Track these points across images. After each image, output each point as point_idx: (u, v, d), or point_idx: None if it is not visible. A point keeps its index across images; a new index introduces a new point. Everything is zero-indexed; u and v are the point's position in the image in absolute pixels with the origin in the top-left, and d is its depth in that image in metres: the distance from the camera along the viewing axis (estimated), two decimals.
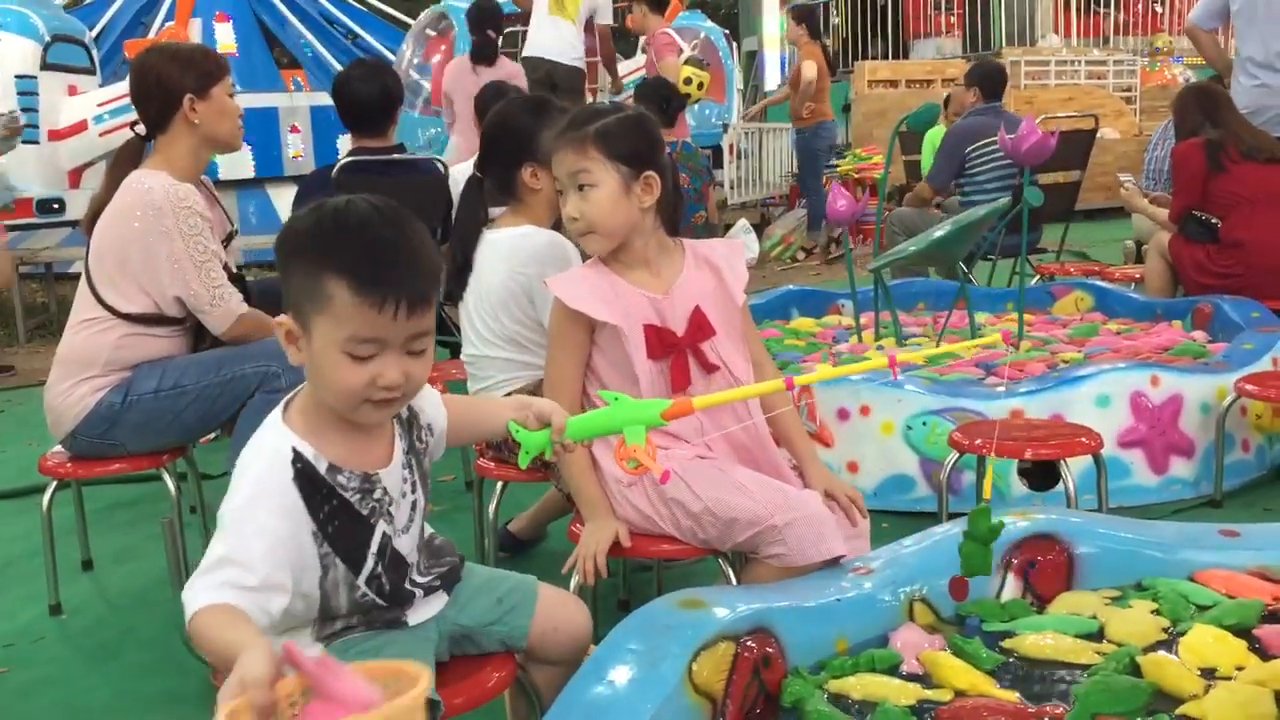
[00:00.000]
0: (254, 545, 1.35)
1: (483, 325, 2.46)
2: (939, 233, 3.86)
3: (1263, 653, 1.67)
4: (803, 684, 1.60)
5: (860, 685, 1.62)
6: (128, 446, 2.60)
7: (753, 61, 13.92)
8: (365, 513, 1.47)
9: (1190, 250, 4.43)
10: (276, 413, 1.47)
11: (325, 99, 6.88)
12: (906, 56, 13.05)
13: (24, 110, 7.25)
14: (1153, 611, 1.80)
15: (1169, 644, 1.71)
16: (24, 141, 7.02)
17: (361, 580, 1.47)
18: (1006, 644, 1.74)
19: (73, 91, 7.95)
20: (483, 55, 6.40)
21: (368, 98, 3.92)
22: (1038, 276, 5.20)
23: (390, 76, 4.06)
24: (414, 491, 1.54)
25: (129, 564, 3.09)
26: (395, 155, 4.02)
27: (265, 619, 1.34)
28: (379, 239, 1.38)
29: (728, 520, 1.92)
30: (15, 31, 7.66)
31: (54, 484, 2.67)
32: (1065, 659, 1.68)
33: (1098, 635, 1.75)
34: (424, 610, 1.55)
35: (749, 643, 1.60)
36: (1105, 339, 3.95)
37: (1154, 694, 1.57)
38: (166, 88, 2.65)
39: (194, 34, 8.53)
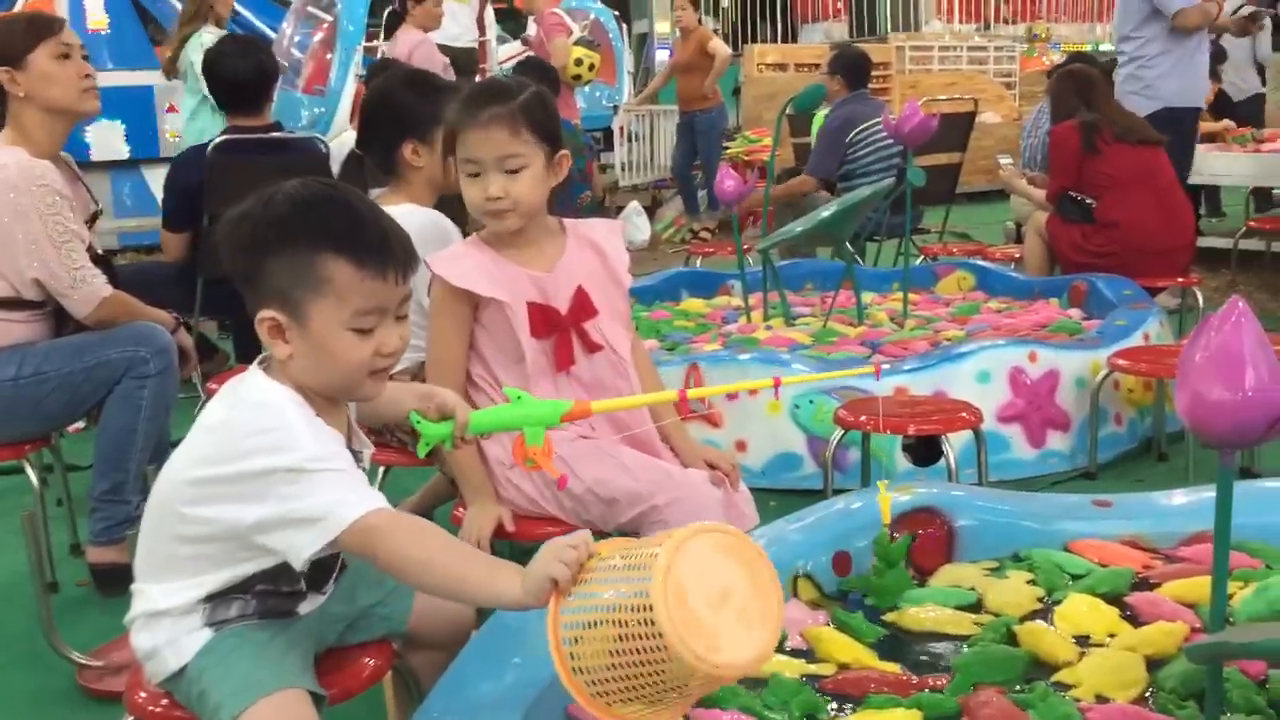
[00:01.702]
0: (351, 476, 1.36)
1: None
2: (825, 213, 3.89)
3: (1134, 619, 1.72)
4: None
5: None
6: None
7: (643, 44, 13.91)
8: None
9: (1066, 230, 4.54)
10: (255, 374, 1.42)
11: None
12: (795, 41, 13.17)
13: None
14: (1029, 582, 1.84)
15: (1045, 613, 1.74)
16: None
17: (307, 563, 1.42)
18: (888, 617, 1.76)
19: None
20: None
21: (242, 75, 3.80)
22: (922, 257, 5.28)
23: (264, 53, 3.94)
24: None
25: None
26: (272, 134, 3.91)
27: None
28: (360, 213, 1.41)
29: (609, 500, 1.91)
30: None
31: None
32: (945, 630, 1.71)
33: (976, 606, 1.78)
34: (312, 601, 1.50)
35: None
36: (986, 317, 4.03)
37: (1030, 662, 1.60)
38: None
39: (60, 8, 8.16)
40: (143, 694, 1.46)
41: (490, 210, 1.96)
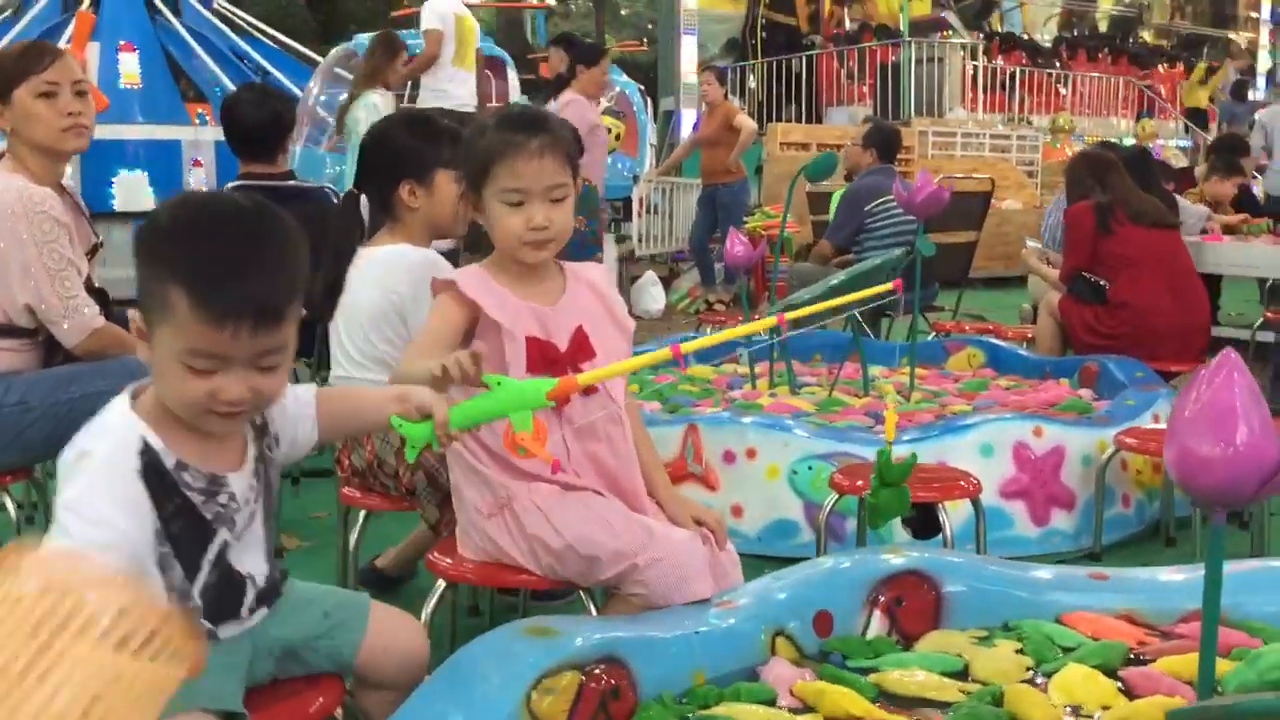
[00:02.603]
0: (93, 538, 1.26)
1: (352, 346, 2.36)
2: (834, 281, 3.86)
3: (1129, 694, 1.64)
4: (660, 710, 1.52)
5: (732, 713, 1.54)
6: None
7: (669, 121, 14.07)
8: (209, 516, 1.38)
9: (1079, 310, 4.50)
10: (124, 399, 1.38)
11: None
12: (820, 122, 13.28)
13: None
14: (1017, 651, 1.77)
15: (1032, 683, 1.67)
16: None
17: (196, 589, 1.37)
18: (871, 679, 1.68)
19: None
20: None
21: (256, 122, 3.82)
22: (933, 333, 5.24)
23: (281, 102, 3.96)
24: (256, 501, 1.44)
25: None
26: (285, 183, 3.92)
27: None
28: (229, 245, 1.30)
29: (589, 558, 1.84)
30: None
31: None
32: (930, 695, 1.64)
33: (963, 674, 1.71)
34: (235, 625, 1.44)
35: (597, 672, 1.52)
36: (994, 394, 3.97)
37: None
38: None
39: (92, 59, 8.31)
40: None
41: (531, 240, 1.90)
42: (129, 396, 1.38)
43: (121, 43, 8.72)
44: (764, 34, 14.83)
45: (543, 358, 1.93)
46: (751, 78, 14.06)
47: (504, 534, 1.90)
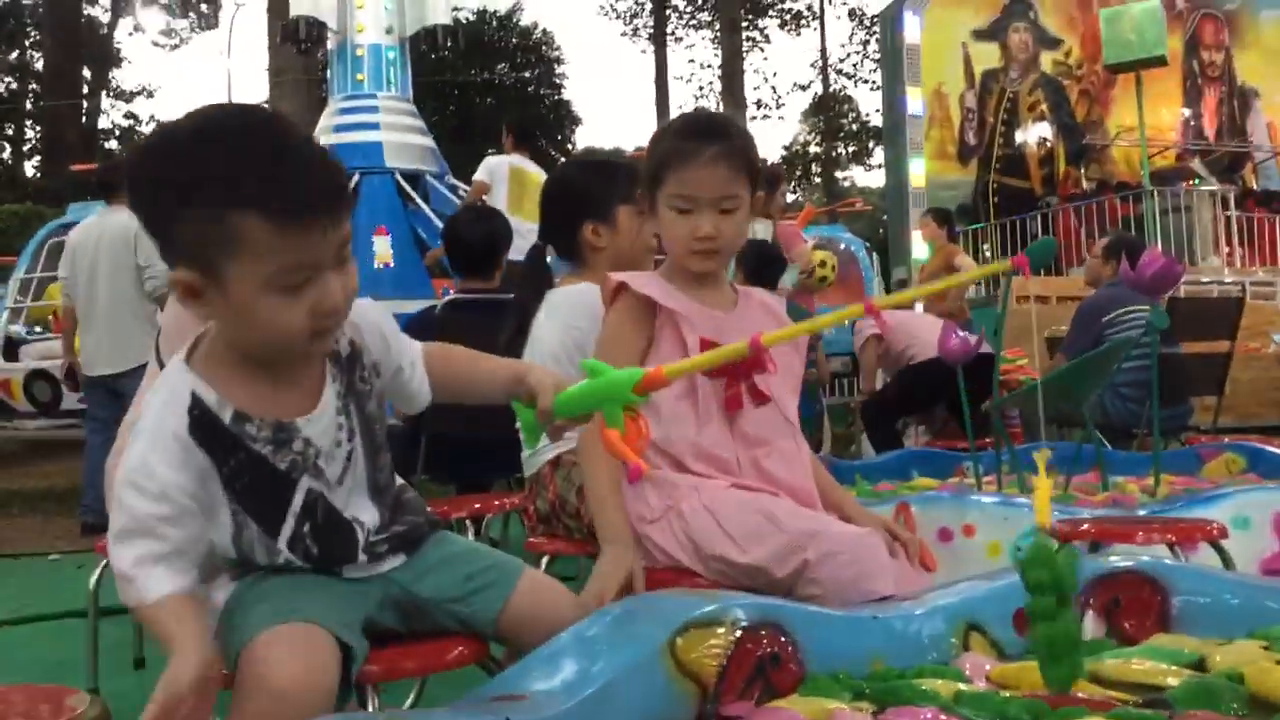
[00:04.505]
0: (157, 510, 1.23)
1: None
2: (1061, 368, 3.61)
3: None
4: (833, 685, 1.35)
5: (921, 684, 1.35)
6: None
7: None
8: (283, 467, 1.31)
9: None
10: (178, 356, 1.33)
11: None
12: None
13: None
14: (1264, 648, 1.49)
15: None
16: None
17: (282, 543, 1.32)
18: (1088, 667, 1.44)
19: None
20: None
21: (474, 240, 4.01)
22: (1185, 446, 4.80)
23: (498, 221, 4.15)
24: (351, 440, 1.37)
25: None
26: (500, 296, 4.05)
27: (191, 571, 1.26)
28: (272, 151, 1.21)
29: (753, 567, 1.72)
30: None
31: (104, 561, 2.61)
32: (1155, 682, 1.38)
33: (1198, 666, 1.45)
34: (370, 567, 1.38)
35: (759, 635, 1.36)
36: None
37: (1257, 701, 1.27)
38: None
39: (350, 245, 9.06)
40: None
41: (698, 250, 1.88)
42: (184, 352, 1.33)
43: (377, 227, 9.45)
44: (996, 199, 14.64)
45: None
46: (986, 246, 13.79)
47: (669, 538, 1.80)
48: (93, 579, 2.65)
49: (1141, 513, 2.78)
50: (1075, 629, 1.17)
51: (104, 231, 5.57)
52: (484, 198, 7.13)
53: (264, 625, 1.24)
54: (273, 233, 1.18)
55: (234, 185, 1.18)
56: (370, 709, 1.37)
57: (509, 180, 7.31)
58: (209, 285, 1.23)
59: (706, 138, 1.87)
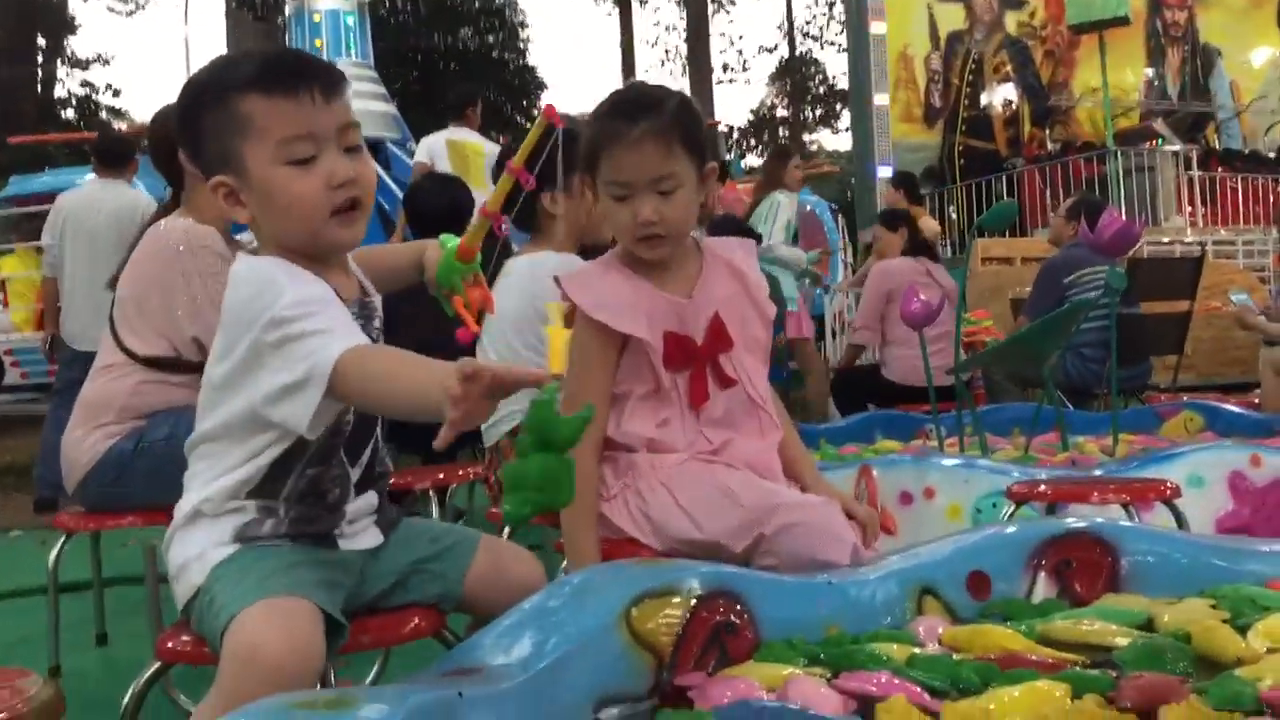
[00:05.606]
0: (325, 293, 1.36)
1: (494, 352, 2.35)
2: (1022, 330, 3.64)
3: None
4: (787, 650, 1.36)
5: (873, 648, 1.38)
6: (138, 496, 2.51)
7: (868, 254, 13.93)
8: (373, 338, 1.46)
9: None
10: (251, 258, 1.44)
11: None
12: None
13: None
14: (1212, 606, 1.51)
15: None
16: None
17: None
18: (1038, 629, 1.47)
19: None
20: None
21: (435, 208, 3.97)
22: (1145, 405, 4.86)
23: (460, 189, 4.11)
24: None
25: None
26: None
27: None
28: (272, 52, 1.41)
29: (710, 543, 1.71)
30: None
31: (63, 537, 2.59)
32: (1105, 642, 1.40)
33: (1147, 626, 1.47)
34: (355, 541, 1.43)
35: (714, 603, 1.37)
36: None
37: (1203, 661, 1.30)
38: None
39: None
40: (170, 644, 1.37)
41: (643, 236, 1.79)
42: (245, 255, 1.46)
43: None
44: (962, 160, 14.67)
45: (681, 352, 1.83)
46: (951, 208, 13.83)
47: (625, 516, 1.78)
48: (52, 555, 2.63)
49: (1098, 473, 2.81)
50: (537, 473, 1.16)
51: (108, 204, 5.33)
52: None
53: (251, 600, 1.25)
54: (269, 105, 1.34)
55: (234, 74, 1.37)
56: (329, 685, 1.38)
57: (448, 154, 7.42)
58: (239, 181, 1.37)
59: (632, 117, 1.75)
